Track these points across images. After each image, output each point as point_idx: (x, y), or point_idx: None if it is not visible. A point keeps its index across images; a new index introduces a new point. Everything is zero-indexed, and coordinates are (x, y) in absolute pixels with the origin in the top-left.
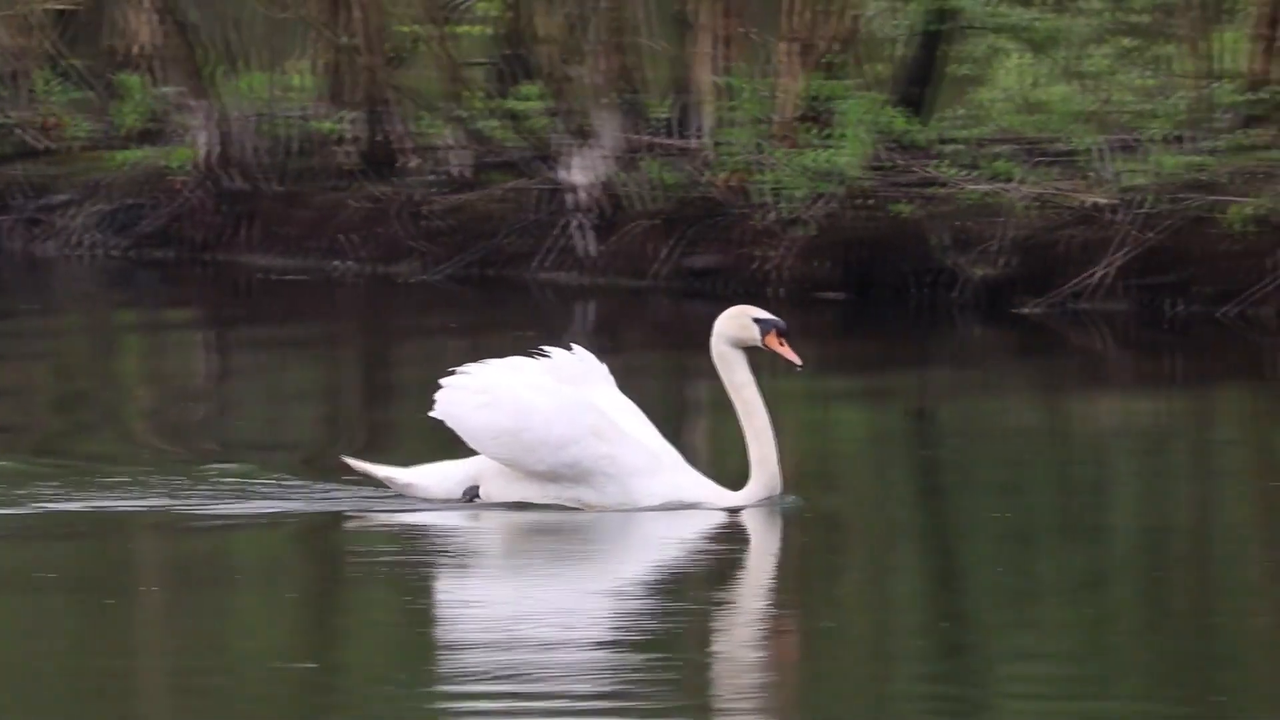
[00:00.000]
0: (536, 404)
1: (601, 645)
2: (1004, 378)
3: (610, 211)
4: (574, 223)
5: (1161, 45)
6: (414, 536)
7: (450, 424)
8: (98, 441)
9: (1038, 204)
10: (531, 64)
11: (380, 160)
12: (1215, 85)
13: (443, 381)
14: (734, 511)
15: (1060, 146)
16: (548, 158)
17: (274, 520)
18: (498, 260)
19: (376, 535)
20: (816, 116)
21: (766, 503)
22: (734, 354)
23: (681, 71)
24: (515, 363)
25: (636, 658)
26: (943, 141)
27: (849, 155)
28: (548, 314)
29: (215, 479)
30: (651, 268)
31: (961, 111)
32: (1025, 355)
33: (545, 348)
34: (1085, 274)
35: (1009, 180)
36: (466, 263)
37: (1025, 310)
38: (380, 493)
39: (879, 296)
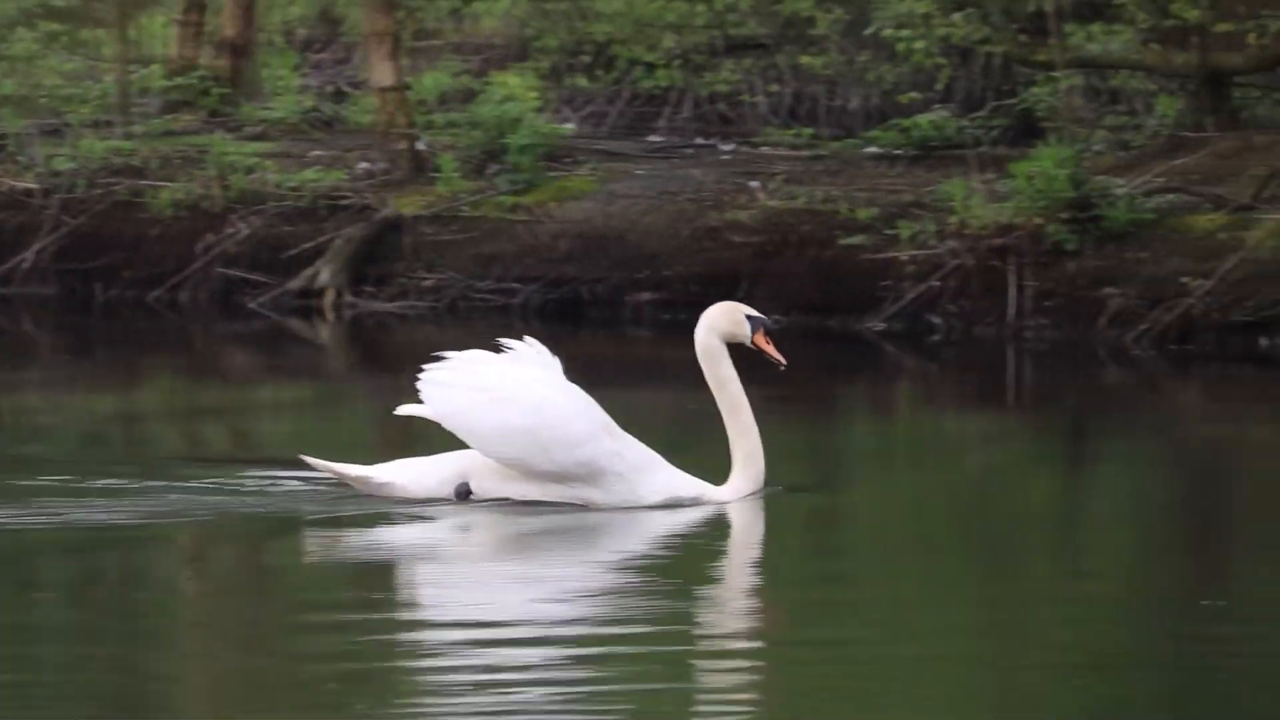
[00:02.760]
0: (550, 400)
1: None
2: None
3: None
4: None
5: (89, 30)
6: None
7: (449, 424)
8: None
9: None
10: None
11: None
12: (140, 71)
13: (424, 377)
14: (723, 506)
15: None
16: None
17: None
18: None
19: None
20: None
21: (752, 496)
22: (720, 348)
23: None
24: (490, 356)
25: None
26: None
27: None
28: None
29: None
30: None
31: None
32: None
33: (502, 340)
34: (14, 259)
35: None
36: None
37: None
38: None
39: None
